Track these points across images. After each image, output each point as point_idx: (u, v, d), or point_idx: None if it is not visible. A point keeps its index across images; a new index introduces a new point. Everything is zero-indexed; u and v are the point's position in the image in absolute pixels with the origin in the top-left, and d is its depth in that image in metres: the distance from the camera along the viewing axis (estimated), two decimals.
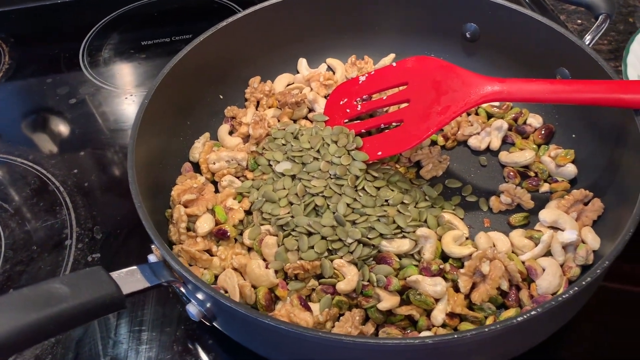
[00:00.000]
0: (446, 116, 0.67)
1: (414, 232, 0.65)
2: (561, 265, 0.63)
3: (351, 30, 0.88)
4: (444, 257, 0.65)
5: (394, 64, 0.77)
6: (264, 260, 0.64)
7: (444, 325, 0.60)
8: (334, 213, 0.65)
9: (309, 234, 0.64)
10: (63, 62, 1.03)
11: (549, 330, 0.58)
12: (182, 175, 0.73)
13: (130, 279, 0.52)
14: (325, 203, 0.66)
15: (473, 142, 0.78)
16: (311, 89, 0.84)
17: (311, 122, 0.80)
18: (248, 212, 0.69)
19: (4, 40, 1.08)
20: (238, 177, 0.74)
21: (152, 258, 0.60)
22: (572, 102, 0.66)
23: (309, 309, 0.60)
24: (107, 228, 0.77)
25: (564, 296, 0.50)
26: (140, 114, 0.67)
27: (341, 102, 0.78)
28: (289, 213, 0.66)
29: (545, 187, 0.72)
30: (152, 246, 0.61)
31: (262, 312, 0.60)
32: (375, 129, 0.76)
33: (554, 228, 0.66)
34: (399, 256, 0.64)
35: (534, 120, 0.79)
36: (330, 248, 0.63)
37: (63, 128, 0.92)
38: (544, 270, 0.62)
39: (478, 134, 0.79)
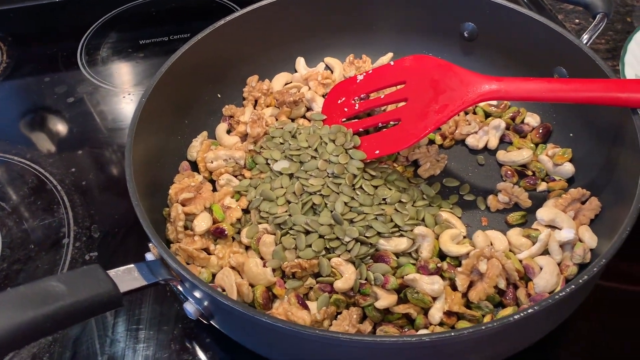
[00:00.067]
0: (444, 115, 0.67)
1: (411, 230, 0.65)
2: (558, 264, 0.63)
3: (349, 29, 0.88)
4: (442, 255, 0.65)
5: (392, 63, 0.77)
6: (262, 258, 0.64)
7: (441, 324, 0.60)
8: (331, 212, 0.65)
9: (307, 232, 0.64)
10: (61, 61, 1.03)
11: (546, 328, 0.58)
12: (179, 173, 0.73)
13: (127, 277, 0.52)
14: (323, 202, 0.66)
15: (471, 141, 0.78)
16: (309, 88, 0.84)
17: (309, 120, 0.80)
18: (246, 211, 0.69)
19: (2, 39, 1.08)
20: (236, 176, 0.74)
21: (149, 256, 0.60)
22: (570, 101, 0.66)
23: (306, 307, 0.60)
24: (104, 227, 0.77)
25: (560, 294, 0.50)
26: (138, 113, 0.67)
27: (339, 101, 0.78)
28: (286, 211, 0.66)
29: (542, 186, 0.72)
30: (150, 244, 0.61)
31: (259, 310, 0.60)
32: (373, 128, 0.76)
33: (552, 227, 0.66)
34: (397, 255, 0.64)
35: (532, 119, 0.79)
36: (327, 246, 0.63)
37: (61, 127, 0.92)
38: (541, 268, 0.62)
39: (476, 132, 0.79)
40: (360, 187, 0.68)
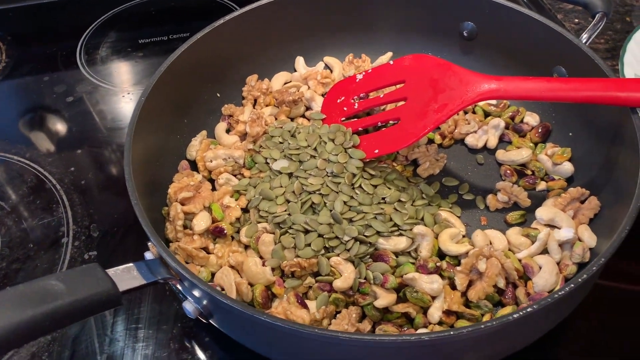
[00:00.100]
0: (443, 114, 0.67)
1: (410, 229, 0.65)
2: (558, 263, 0.63)
3: (348, 29, 0.88)
4: (441, 254, 0.65)
5: (391, 62, 0.77)
6: (261, 257, 0.64)
7: (440, 323, 0.60)
8: (330, 211, 0.65)
9: (306, 231, 0.64)
10: (60, 61, 1.03)
11: (545, 327, 0.58)
12: (179, 173, 0.73)
13: (126, 276, 0.52)
14: (322, 201, 0.66)
15: (470, 140, 0.78)
16: (308, 87, 0.84)
17: (308, 120, 0.80)
18: (245, 210, 0.69)
19: (2, 38, 1.08)
20: (235, 175, 0.74)
21: (148, 255, 0.59)
22: (569, 100, 0.66)
23: (305, 306, 0.60)
24: (103, 226, 0.77)
25: (560, 293, 0.50)
26: (137, 112, 0.67)
27: (338, 100, 0.78)
28: (285, 211, 0.66)
29: (542, 185, 0.72)
30: (149, 244, 0.61)
31: (258, 309, 0.60)
32: (372, 127, 0.76)
33: (551, 226, 0.66)
34: (396, 254, 0.64)
35: (531, 119, 0.79)
36: (327, 246, 0.63)
37: (60, 126, 0.92)
38: (540, 268, 0.62)
39: (475, 132, 0.79)
40: (360, 186, 0.68)
